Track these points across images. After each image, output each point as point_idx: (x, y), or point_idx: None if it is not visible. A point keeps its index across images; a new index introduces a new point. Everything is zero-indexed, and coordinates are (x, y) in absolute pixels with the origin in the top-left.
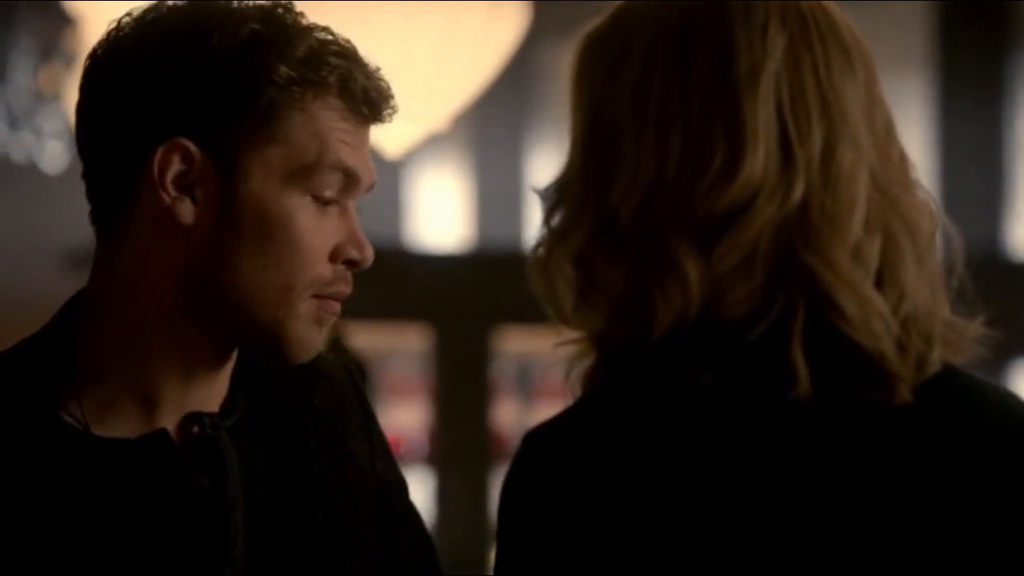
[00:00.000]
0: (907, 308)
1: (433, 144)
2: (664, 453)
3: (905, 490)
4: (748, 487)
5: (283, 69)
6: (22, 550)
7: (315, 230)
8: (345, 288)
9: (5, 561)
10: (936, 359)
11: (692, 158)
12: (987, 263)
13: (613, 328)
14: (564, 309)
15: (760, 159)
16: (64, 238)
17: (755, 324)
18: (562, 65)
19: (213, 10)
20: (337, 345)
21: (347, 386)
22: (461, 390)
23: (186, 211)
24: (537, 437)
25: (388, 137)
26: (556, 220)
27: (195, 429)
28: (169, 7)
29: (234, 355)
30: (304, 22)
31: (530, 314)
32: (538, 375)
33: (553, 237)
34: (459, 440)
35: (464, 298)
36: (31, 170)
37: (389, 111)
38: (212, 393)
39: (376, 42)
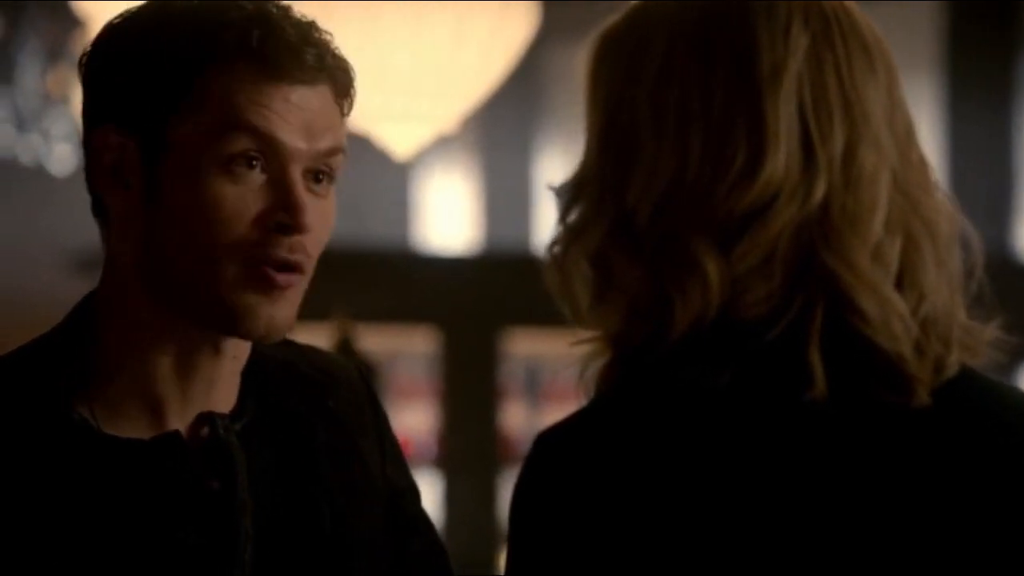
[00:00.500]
0: (926, 310)
1: (441, 145)
2: (679, 454)
3: (922, 492)
4: (763, 488)
5: (185, 42)
6: (33, 549)
7: (229, 196)
8: (282, 253)
9: (17, 559)
10: (954, 362)
11: (713, 158)
12: (994, 265)
13: (630, 328)
14: (580, 307)
15: (782, 159)
16: (72, 240)
17: (773, 324)
18: (575, 65)
19: (177, 8)
20: (345, 347)
21: (360, 389)
22: (469, 392)
23: (119, 199)
24: (550, 439)
25: (397, 139)
26: (572, 217)
27: (205, 431)
28: (144, 6)
29: (239, 354)
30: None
31: (538, 316)
32: (546, 377)
33: (569, 235)
34: (467, 443)
35: (472, 300)
36: (39, 172)
37: (308, 68)
38: (219, 393)
39: (385, 43)
